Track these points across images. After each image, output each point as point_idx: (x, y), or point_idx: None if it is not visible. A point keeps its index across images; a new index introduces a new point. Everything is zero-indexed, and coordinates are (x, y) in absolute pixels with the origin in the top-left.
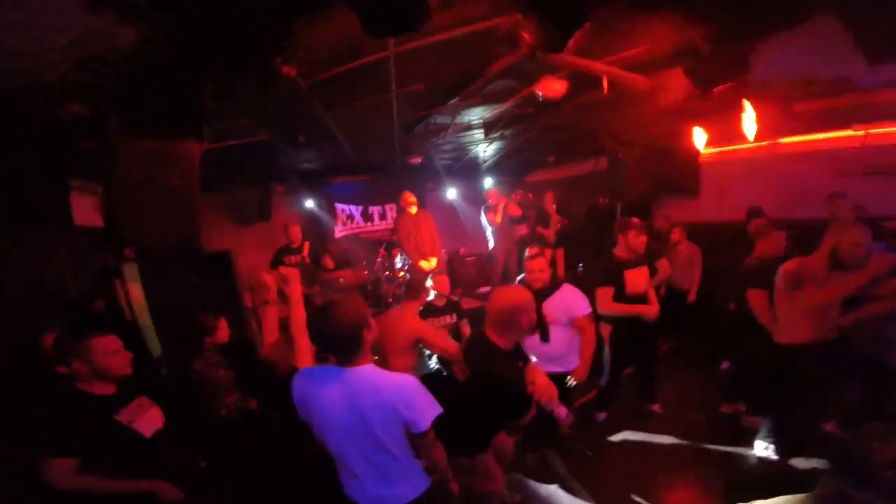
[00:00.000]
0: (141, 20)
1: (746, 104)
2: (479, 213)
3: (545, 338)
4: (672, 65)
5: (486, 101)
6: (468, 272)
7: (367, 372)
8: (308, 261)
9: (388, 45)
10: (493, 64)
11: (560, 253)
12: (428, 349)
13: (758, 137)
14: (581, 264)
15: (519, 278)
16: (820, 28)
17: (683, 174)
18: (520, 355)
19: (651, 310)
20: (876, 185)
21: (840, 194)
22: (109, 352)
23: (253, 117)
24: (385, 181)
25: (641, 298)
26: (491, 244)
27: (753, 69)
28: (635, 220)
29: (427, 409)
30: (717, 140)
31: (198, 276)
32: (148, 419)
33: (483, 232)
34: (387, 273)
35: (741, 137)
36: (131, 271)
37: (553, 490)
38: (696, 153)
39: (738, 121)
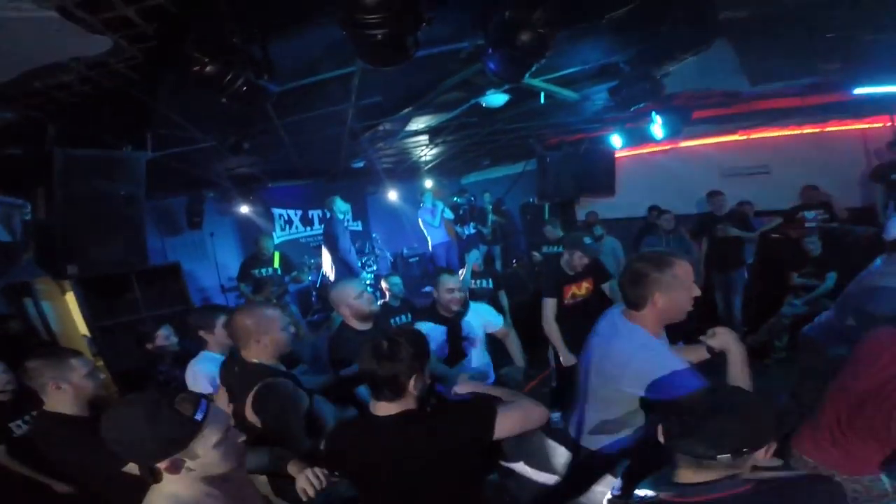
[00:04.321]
0: (121, 28)
1: (654, 114)
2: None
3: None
4: (598, 82)
5: (435, 109)
6: (412, 272)
7: None
8: (280, 272)
9: (353, 60)
10: (448, 78)
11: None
12: None
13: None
14: (515, 260)
15: (461, 272)
16: (716, 53)
17: (602, 175)
18: None
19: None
20: (754, 184)
21: (717, 192)
22: (87, 373)
23: (199, 124)
24: (325, 184)
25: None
26: (430, 244)
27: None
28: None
29: None
30: (629, 143)
31: (144, 289)
32: None
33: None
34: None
35: (649, 140)
36: (47, 289)
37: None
38: (613, 155)
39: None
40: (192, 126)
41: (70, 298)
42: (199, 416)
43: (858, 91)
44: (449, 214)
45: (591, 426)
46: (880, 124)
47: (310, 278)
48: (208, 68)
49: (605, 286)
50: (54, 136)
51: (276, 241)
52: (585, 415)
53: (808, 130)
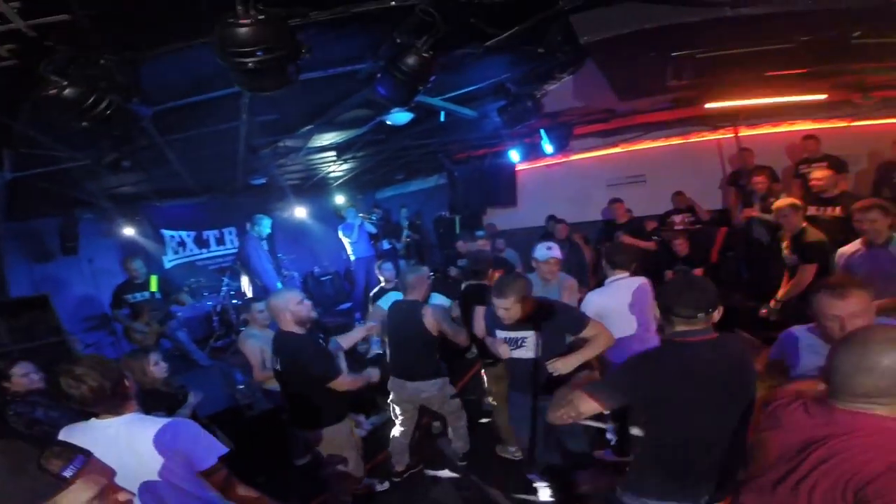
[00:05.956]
0: None
1: (542, 132)
2: (330, 232)
3: None
4: (494, 100)
5: (340, 127)
6: (325, 291)
7: None
8: (158, 295)
9: None
10: (348, 97)
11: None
12: None
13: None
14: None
15: (374, 291)
16: (588, 74)
17: (505, 187)
18: None
19: None
20: (636, 191)
21: (616, 200)
22: None
23: (69, 142)
24: (221, 203)
25: None
26: (351, 260)
27: (546, 106)
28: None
29: None
30: (527, 157)
31: (7, 322)
32: None
33: (335, 250)
34: (233, 300)
35: (545, 154)
36: None
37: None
38: (514, 169)
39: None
40: (61, 145)
41: None
42: (67, 473)
43: (709, 105)
44: (371, 229)
45: None
46: (730, 135)
47: (208, 302)
48: (66, 91)
49: None
50: None
51: (169, 265)
52: None
53: (674, 142)
